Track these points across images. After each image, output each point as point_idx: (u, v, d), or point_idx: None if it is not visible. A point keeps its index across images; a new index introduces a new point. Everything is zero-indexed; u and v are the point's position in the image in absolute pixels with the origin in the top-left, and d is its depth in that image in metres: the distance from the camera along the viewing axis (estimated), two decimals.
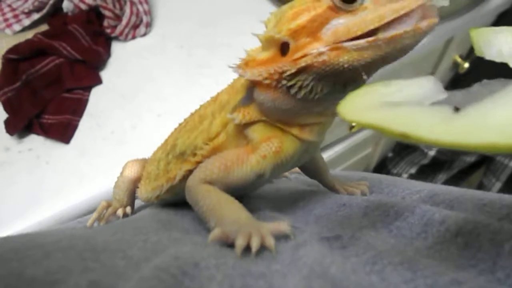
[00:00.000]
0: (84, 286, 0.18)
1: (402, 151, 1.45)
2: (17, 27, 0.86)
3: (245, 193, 0.35)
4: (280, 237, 0.26)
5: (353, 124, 1.05)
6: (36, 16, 0.86)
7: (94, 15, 0.84)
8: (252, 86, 0.31)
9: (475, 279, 0.20)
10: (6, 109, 0.71)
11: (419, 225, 0.26)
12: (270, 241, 0.24)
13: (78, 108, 0.74)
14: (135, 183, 0.44)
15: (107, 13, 0.82)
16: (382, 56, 0.25)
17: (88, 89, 0.77)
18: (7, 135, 0.70)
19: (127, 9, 0.83)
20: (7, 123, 0.70)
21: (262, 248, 0.24)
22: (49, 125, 0.71)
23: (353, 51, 0.25)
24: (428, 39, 0.92)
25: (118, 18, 0.84)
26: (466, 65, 1.14)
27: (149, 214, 0.36)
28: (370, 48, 0.25)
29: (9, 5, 0.87)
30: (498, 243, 0.22)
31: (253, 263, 0.22)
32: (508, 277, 0.20)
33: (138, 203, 0.46)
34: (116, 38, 0.85)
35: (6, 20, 0.86)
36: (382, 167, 1.54)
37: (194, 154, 0.34)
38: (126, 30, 0.84)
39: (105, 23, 0.83)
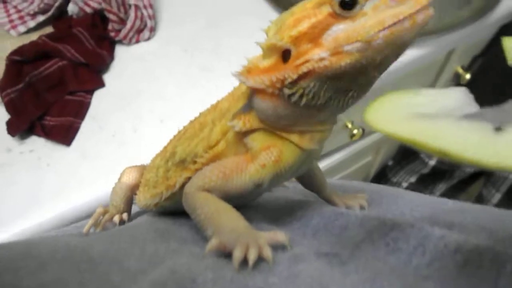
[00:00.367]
0: None
1: (402, 160, 1.45)
2: (22, 29, 0.86)
3: (243, 203, 0.35)
4: (277, 247, 0.26)
5: (354, 132, 1.05)
6: (41, 18, 0.87)
7: (98, 19, 0.84)
8: (253, 93, 0.31)
9: None
10: (8, 110, 0.71)
11: (417, 238, 0.26)
12: (268, 252, 0.24)
13: (80, 110, 0.74)
14: (133, 189, 0.44)
15: (111, 16, 0.83)
16: (383, 54, 0.26)
17: (90, 92, 0.77)
18: (9, 136, 0.71)
19: (132, 13, 0.83)
20: (9, 124, 0.71)
21: (260, 259, 0.24)
22: (51, 127, 0.71)
23: (354, 52, 0.25)
24: (430, 50, 0.93)
25: (123, 22, 0.84)
26: (468, 76, 1.14)
27: (146, 222, 0.36)
28: (370, 48, 0.25)
29: (15, 7, 0.88)
30: (500, 263, 0.21)
31: (250, 276, 0.22)
32: None
33: (134, 209, 0.46)
34: (120, 42, 0.86)
35: (11, 21, 0.86)
36: (382, 175, 1.54)
37: (194, 162, 0.34)
38: (130, 34, 0.85)
39: (110, 26, 0.84)
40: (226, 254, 0.25)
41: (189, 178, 0.34)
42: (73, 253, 0.23)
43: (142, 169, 0.45)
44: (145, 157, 0.68)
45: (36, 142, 0.71)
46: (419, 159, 1.39)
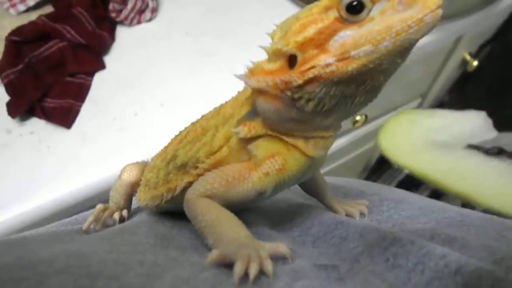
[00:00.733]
0: None
1: None
2: (21, 7, 0.84)
3: (244, 207, 0.35)
4: (278, 259, 0.26)
5: (357, 118, 1.04)
6: None
7: None
8: (257, 96, 0.30)
9: None
10: (8, 91, 0.71)
11: (417, 255, 0.26)
12: (269, 267, 0.23)
13: (80, 93, 0.73)
14: (133, 187, 0.44)
15: None
16: (391, 59, 0.25)
17: (91, 74, 0.76)
18: (9, 118, 0.70)
19: None
20: (9, 105, 0.70)
21: (260, 272, 0.23)
22: (51, 109, 0.70)
23: (361, 57, 0.25)
24: (438, 36, 0.91)
25: (124, 2, 0.82)
26: (475, 63, 1.13)
27: (146, 224, 0.35)
28: (378, 53, 0.25)
29: None
30: None
31: None
32: None
33: (135, 203, 0.46)
34: (121, 22, 0.84)
35: None
36: (384, 161, 1.53)
37: (196, 167, 0.34)
38: (132, 15, 0.83)
39: (110, 6, 0.82)
40: (226, 265, 0.25)
41: (190, 183, 0.33)
42: (72, 262, 0.23)
43: (143, 166, 0.45)
44: (146, 142, 0.68)
45: (37, 124, 0.71)
46: None
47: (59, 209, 0.62)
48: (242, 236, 0.26)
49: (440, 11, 0.24)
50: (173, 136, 0.40)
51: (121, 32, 0.84)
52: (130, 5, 0.82)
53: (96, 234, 0.33)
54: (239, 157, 0.33)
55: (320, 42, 0.26)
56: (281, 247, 0.26)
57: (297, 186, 0.47)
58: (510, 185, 0.14)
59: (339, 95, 0.27)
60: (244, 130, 0.31)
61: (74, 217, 0.42)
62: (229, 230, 0.27)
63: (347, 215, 0.39)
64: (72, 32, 0.75)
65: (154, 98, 0.75)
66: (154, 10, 0.86)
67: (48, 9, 0.84)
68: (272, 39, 0.29)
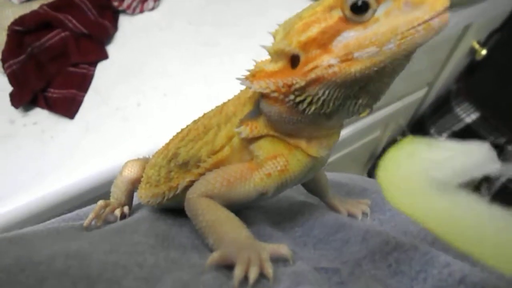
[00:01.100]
0: None
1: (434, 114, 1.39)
2: None
3: (245, 206, 0.35)
4: (279, 261, 0.25)
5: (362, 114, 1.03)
6: None
7: None
8: (260, 98, 0.30)
9: None
10: (11, 81, 0.71)
11: (420, 262, 0.25)
12: (269, 269, 0.23)
13: (83, 83, 0.73)
14: (134, 183, 0.44)
15: None
16: (394, 59, 0.24)
17: (93, 64, 0.76)
18: (12, 108, 0.70)
19: None
20: (12, 96, 0.70)
21: (260, 274, 0.23)
22: (54, 100, 0.70)
23: (364, 59, 0.24)
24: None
25: None
26: (484, 52, 1.11)
27: (145, 220, 0.35)
28: (382, 53, 0.24)
29: None
30: None
31: None
32: None
33: (136, 200, 0.46)
34: (124, 11, 0.84)
35: None
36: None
37: (197, 166, 0.34)
38: (134, 4, 0.82)
39: None
40: (226, 266, 0.24)
41: (191, 182, 0.33)
42: (71, 263, 0.23)
43: (144, 162, 0.45)
44: (148, 132, 0.67)
45: (40, 115, 0.71)
46: (452, 113, 1.27)
47: (62, 199, 0.63)
48: (243, 237, 0.26)
49: (447, 16, 0.23)
50: (174, 133, 0.39)
51: (124, 21, 0.84)
52: None
53: (97, 231, 0.33)
54: (241, 156, 0.32)
55: (323, 42, 0.25)
56: (283, 249, 0.26)
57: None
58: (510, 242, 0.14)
59: (341, 98, 0.26)
60: (246, 130, 0.31)
61: (75, 212, 0.42)
62: (230, 230, 0.27)
63: (349, 215, 0.39)
64: (74, 21, 0.75)
65: (157, 88, 0.74)
66: None
67: None
68: (274, 38, 0.29)
